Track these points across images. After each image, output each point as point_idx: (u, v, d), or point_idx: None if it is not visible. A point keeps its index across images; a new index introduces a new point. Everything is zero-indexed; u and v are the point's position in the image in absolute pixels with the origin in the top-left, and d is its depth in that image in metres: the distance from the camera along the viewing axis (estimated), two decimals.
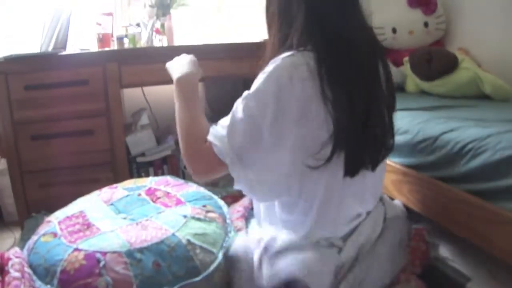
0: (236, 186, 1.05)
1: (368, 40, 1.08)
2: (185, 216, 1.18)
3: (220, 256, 1.11)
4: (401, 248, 1.19)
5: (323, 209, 1.06)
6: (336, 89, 0.96)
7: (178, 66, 1.26)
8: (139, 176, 2.28)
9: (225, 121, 1.04)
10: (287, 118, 0.97)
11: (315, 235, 1.08)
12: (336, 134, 0.97)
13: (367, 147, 1.04)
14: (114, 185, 1.46)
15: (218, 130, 1.04)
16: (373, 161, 1.08)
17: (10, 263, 1.02)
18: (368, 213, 1.15)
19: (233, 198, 1.54)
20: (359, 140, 1.01)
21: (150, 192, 1.37)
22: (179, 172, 2.38)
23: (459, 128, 1.39)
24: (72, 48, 2.25)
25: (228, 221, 1.26)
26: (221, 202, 1.35)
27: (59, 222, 1.19)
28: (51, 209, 1.34)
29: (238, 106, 1.02)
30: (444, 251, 1.35)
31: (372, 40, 1.10)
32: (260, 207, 1.20)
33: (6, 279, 0.97)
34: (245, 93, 1.02)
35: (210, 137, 1.04)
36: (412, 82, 2.20)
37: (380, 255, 1.10)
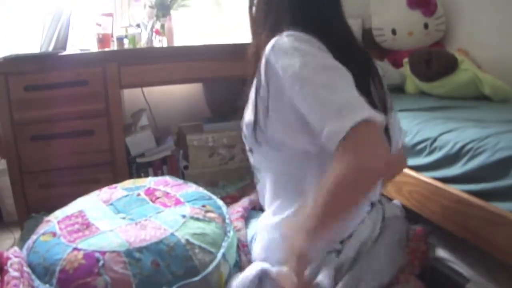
0: None
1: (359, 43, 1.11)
2: (184, 216, 1.18)
3: (219, 256, 1.11)
4: (400, 247, 1.19)
5: None
6: None
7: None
8: (139, 176, 2.28)
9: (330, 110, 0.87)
10: None
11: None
12: None
13: None
14: (114, 185, 1.46)
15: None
16: None
17: (9, 262, 1.01)
18: (368, 213, 1.15)
19: (232, 198, 1.54)
20: None
21: (149, 192, 1.37)
22: (179, 172, 2.38)
23: (458, 129, 1.39)
24: (72, 48, 2.25)
25: (227, 221, 1.26)
26: (220, 202, 1.35)
27: (59, 222, 1.19)
28: (51, 210, 1.34)
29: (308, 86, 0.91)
30: (443, 251, 1.35)
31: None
32: (266, 197, 1.20)
33: (5, 278, 0.97)
34: (292, 73, 0.93)
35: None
36: (412, 83, 2.20)
37: (379, 254, 1.10)
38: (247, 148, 1.18)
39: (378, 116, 0.84)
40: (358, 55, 1.06)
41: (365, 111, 0.83)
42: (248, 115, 1.11)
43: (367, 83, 1.04)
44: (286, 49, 0.96)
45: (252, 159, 1.19)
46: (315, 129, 0.90)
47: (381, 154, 0.84)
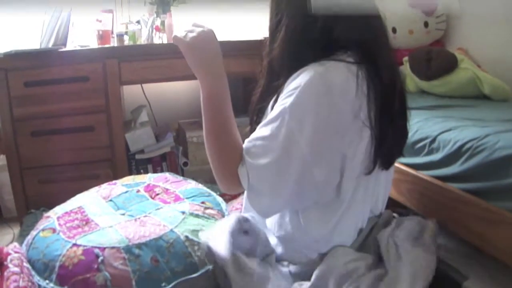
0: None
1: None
2: (183, 213, 1.19)
3: None
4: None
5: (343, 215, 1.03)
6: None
7: (205, 63, 1.13)
8: (138, 173, 2.28)
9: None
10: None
11: (329, 243, 1.04)
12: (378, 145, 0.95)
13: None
14: (113, 181, 1.46)
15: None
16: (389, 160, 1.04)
17: (9, 258, 1.02)
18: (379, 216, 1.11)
19: (231, 195, 1.54)
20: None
21: (149, 188, 1.37)
22: (178, 169, 2.38)
23: (457, 128, 1.39)
24: (72, 44, 2.25)
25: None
26: (220, 199, 1.36)
27: (58, 218, 1.19)
28: (50, 206, 1.34)
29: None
30: (442, 249, 1.35)
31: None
32: None
33: (5, 273, 0.97)
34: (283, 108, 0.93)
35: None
36: (412, 81, 2.21)
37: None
38: None
39: None
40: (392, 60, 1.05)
41: None
42: None
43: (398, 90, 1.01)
44: (299, 114, 0.91)
45: None
46: None
47: None
